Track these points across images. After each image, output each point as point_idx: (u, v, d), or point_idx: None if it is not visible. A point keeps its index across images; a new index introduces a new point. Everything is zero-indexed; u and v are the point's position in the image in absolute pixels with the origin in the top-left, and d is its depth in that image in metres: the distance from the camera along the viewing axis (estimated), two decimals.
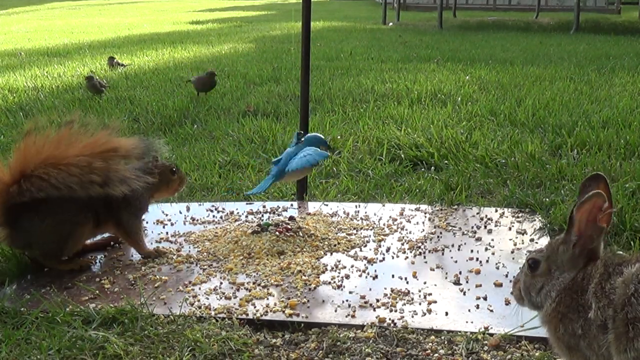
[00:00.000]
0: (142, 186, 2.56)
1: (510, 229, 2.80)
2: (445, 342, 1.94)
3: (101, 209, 2.55)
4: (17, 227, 2.44)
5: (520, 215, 2.94)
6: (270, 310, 2.12)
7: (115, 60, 7.52)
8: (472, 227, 2.81)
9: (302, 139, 2.79)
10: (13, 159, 2.45)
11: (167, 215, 3.04)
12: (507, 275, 2.34)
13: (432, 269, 2.42)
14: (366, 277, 2.37)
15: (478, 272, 2.37)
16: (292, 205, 3.15)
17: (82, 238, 2.56)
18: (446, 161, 3.69)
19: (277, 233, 2.68)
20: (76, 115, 2.59)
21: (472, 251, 2.57)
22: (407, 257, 2.53)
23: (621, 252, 1.63)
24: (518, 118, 4.61)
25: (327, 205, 3.12)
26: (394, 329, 2.01)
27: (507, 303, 2.14)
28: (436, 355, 1.88)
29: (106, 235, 2.73)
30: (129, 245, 2.67)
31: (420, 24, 13.47)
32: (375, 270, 2.41)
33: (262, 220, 2.92)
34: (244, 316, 2.09)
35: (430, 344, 1.93)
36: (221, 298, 2.22)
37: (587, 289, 1.58)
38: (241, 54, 8.92)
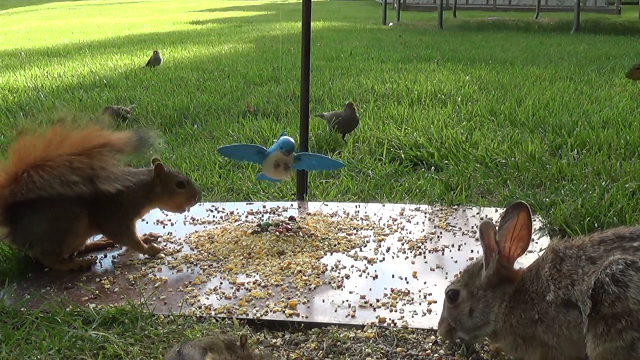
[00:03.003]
0: (133, 191, 2.53)
1: None
2: (445, 342, 1.93)
3: (92, 208, 2.51)
4: (17, 225, 2.45)
5: None
6: (270, 310, 2.12)
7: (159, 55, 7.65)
8: (472, 227, 2.81)
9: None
10: (9, 161, 2.46)
11: (167, 215, 3.04)
12: None
13: (432, 269, 2.42)
14: (366, 277, 2.37)
15: None
16: (292, 205, 3.14)
17: (80, 235, 2.53)
18: (446, 161, 3.69)
19: (277, 233, 2.68)
20: (67, 113, 2.56)
21: (472, 251, 2.57)
22: (407, 257, 2.53)
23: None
24: (518, 118, 4.61)
25: (327, 205, 3.12)
26: (394, 329, 2.01)
27: None
28: (436, 355, 1.88)
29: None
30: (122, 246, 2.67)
31: (420, 24, 13.47)
32: (375, 270, 2.41)
33: (262, 220, 2.91)
34: (244, 316, 2.09)
35: (430, 344, 1.93)
36: (221, 298, 2.22)
37: (539, 276, 1.67)
38: (241, 54, 8.92)
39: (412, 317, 2.07)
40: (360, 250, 2.60)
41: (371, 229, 2.81)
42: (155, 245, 2.66)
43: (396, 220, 2.91)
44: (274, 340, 1.98)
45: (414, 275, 2.36)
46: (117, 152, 2.52)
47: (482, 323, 1.77)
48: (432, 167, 3.64)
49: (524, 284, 1.71)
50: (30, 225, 2.44)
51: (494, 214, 2.96)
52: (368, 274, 2.39)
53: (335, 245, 2.64)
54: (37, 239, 2.45)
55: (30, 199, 2.42)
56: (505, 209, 1.81)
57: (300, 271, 2.39)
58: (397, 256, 2.55)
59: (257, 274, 2.39)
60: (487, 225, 1.74)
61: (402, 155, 3.79)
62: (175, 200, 2.63)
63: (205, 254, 2.58)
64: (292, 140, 2.72)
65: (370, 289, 2.27)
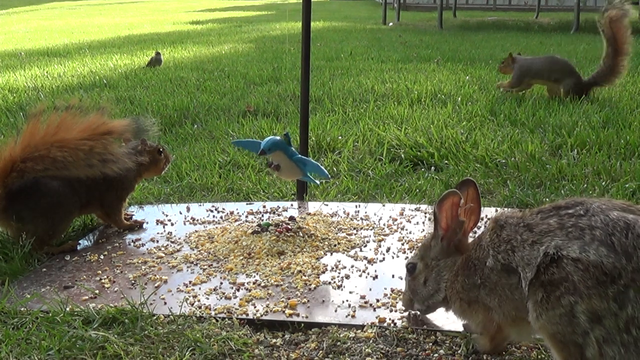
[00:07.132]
0: (130, 169, 2.81)
1: None
2: (446, 342, 1.94)
3: (86, 192, 2.73)
4: (15, 202, 2.58)
5: None
6: (270, 310, 2.12)
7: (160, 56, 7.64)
8: None
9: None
10: (20, 139, 2.62)
11: (167, 215, 3.05)
12: None
13: None
14: (366, 277, 2.37)
15: None
16: (292, 205, 3.14)
17: (70, 222, 2.78)
18: (446, 161, 3.69)
19: (277, 233, 2.68)
20: (74, 100, 2.79)
21: None
22: (407, 257, 2.53)
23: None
24: (518, 118, 4.61)
25: (327, 205, 3.12)
26: (394, 329, 2.01)
27: None
28: (436, 355, 1.88)
29: None
30: (107, 222, 2.92)
31: (420, 24, 13.47)
32: (375, 270, 2.41)
33: (262, 220, 2.91)
34: (244, 316, 2.09)
35: (430, 344, 1.93)
36: (221, 298, 2.22)
37: (481, 243, 1.78)
38: (241, 54, 8.92)
39: (412, 317, 2.07)
40: (360, 250, 2.60)
41: (371, 229, 2.81)
42: (139, 220, 2.97)
43: (396, 220, 2.91)
44: (274, 340, 1.98)
45: None
46: (118, 138, 2.78)
47: (434, 291, 1.92)
48: (432, 167, 3.64)
49: (470, 252, 1.82)
50: (27, 205, 2.59)
51: (494, 214, 2.95)
52: (368, 274, 2.39)
53: (335, 245, 2.64)
54: (32, 223, 2.58)
55: (32, 182, 2.59)
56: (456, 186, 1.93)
57: (300, 271, 2.39)
58: (397, 256, 2.55)
59: (257, 274, 2.39)
60: (446, 199, 1.85)
61: (402, 155, 3.79)
62: (158, 165, 3.00)
63: (205, 253, 2.59)
64: (270, 139, 2.70)
65: (370, 289, 2.27)
